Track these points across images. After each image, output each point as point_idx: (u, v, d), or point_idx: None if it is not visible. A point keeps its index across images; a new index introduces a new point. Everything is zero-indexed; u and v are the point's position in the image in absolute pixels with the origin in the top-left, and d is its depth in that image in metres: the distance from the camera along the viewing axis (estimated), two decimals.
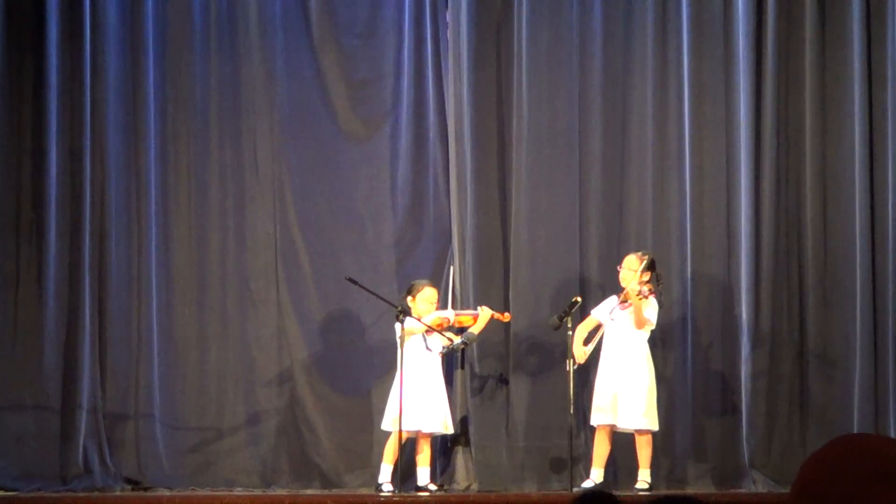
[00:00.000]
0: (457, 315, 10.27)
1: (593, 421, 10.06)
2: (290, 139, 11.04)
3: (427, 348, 10.09)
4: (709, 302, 10.70)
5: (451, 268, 10.53)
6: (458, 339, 10.26)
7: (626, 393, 9.93)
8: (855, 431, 10.11)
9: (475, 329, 10.24)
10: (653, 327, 10.06)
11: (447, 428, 10.24)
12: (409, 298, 10.20)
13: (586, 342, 10.05)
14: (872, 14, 10.62)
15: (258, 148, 11.02)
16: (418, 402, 9.95)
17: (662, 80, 10.83)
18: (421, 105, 10.94)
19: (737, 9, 10.72)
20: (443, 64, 10.86)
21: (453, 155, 10.79)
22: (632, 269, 10.01)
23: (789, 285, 10.70)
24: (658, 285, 10.08)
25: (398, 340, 10.02)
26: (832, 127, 10.72)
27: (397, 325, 10.08)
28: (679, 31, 10.81)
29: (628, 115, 10.89)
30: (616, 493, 9.91)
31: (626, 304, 10.00)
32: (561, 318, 9.94)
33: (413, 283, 10.31)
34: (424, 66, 10.92)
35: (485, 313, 10.26)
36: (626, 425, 10.00)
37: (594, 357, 10.10)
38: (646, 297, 9.89)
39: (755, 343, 10.54)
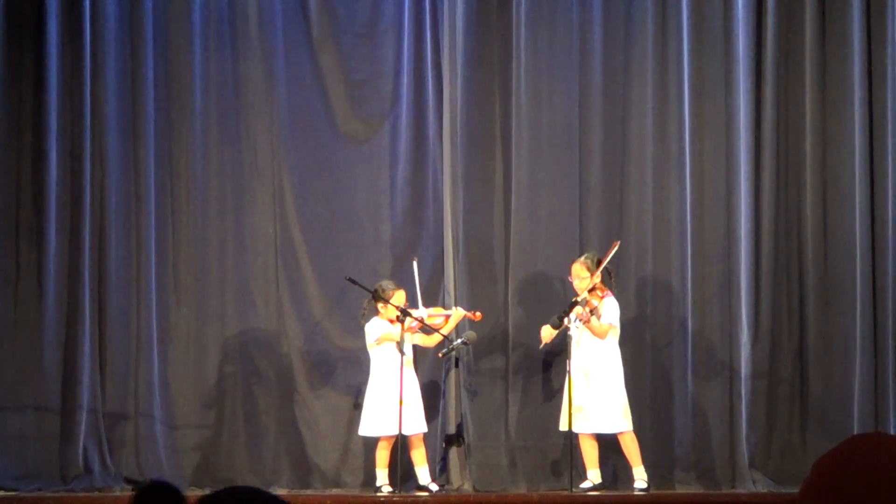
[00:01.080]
0: (430, 316, 10.24)
1: (574, 427, 9.96)
2: (290, 139, 11.03)
3: (401, 352, 10.06)
4: (709, 302, 10.70)
5: (415, 264, 10.43)
6: (458, 340, 10.26)
7: (601, 398, 9.90)
8: (855, 431, 10.12)
9: (445, 329, 10.23)
10: (617, 329, 10.01)
11: (424, 427, 10.23)
12: (380, 304, 10.13)
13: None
14: (872, 14, 10.62)
15: (258, 148, 11.02)
16: (403, 404, 9.92)
17: (662, 79, 10.83)
18: (420, 105, 10.93)
19: (737, 9, 10.71)
20: (442, 64, 10.86)
21: (448, 155, 10.78)
22: (581, 277, 9.95)
23: (789, 285, 10.70)
24: (611, 280, 10.07)
25: (371, 342, 10.10)
26: (832, 127, 10.72)
27: (368, 327, 10.09)
28: (679, 31, 10.81)
29: (628, 114, 10.89)
30: (616, 493, 10.05)
31: (590, 318, 9.94)
32: (561, 318, 9.93)
33: (380, 286, 10.22)
34: (424, 65, 10.91)
35: (457, 313, 10.25)
36: (606, 430, 9.98)
37: (564, 359, 10.06)
38: (587, 322, 9.83)
39: (755, 343, 10.54)
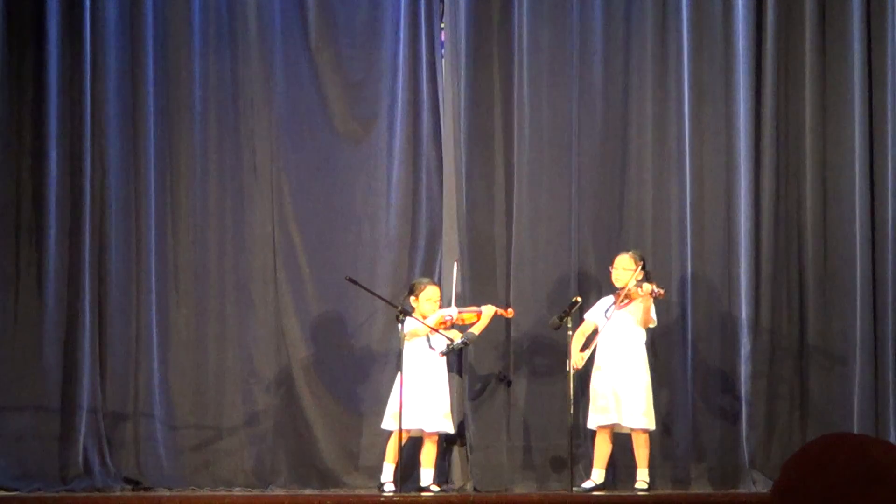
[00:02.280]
0: (460, 312, 10.25)
1: (592, 423, 10.05)
2: (288, 139, 11.04)
3: (430, 347, 10.08)
4: (709, 302, 10.69)
5: (455, 265, 10.50)
6: (458, 339, 10.25)
7: (625, 393, 9.94)
8: (855, 431, 10.11)
9: (478, 326, 10.23)
10: (655, 325, 10.07)
11: (449, 427, 10.23)
12: (412, 298, 10.19)
13: (583, 348, 10.05)
14: (872, 14, 10.62)
15: (256, 148, 11.03)
16: (421, 401, 9.94)
17: (662, 80, 10.83)
18: (417, 105, 10.93)
19: (737, 9, 10.71)
20: (437, 64, 10.87)
21: (447, 155, 10.79)
22: (628, 269, 10.00)
23: (789, 285, 10.69)
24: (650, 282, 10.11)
25: (402, 339, 10.06)
26: (832, 127, 10.71)
27: (400, 325, 10.09)
28: (679, 32, 10.81)
29: (628, 115, 10.89)
30: (616, 493, 10.05)
31: (623, 304, 10.00)
32: (561, 319, 9.93)
33: (415, 282, 10.32)
34: (420, 66, 10.92)
35: (488, 310, 10.26)
36: (626, 424, 10.01)
37: (590, 357, 10.09)
38: (661, 295, 9.89)
39: (755, 343, 10.53)
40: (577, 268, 10.71)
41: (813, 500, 2.07)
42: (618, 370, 9.97)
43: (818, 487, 2.09)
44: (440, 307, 10.22)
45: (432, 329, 10.07)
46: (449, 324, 10.17)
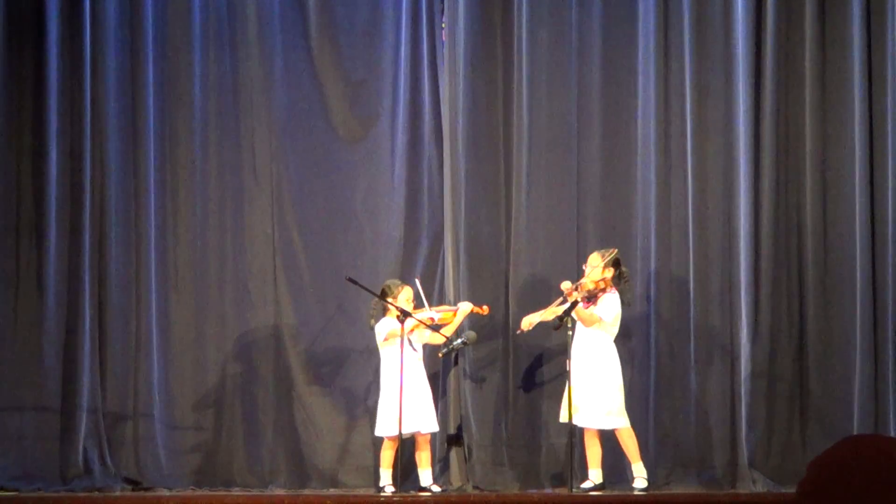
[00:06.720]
0: (437, 312, 10.24)
1: (575, 421, 9.96)
2: (288, 139, 11.05)
3: (412, 349, 10.06)
4: (709, 302, 10.69)
5: (417, 282, 10.45)
6: (458, 340, 10.25)
7: (598, 394, 9.88)
8: (855, 432, 10.12)
9: (453, 324, 10.21)
10: (610, 324, 9.98)
11: (436, 425, 10.23)
12: (389, 300, 10.12)
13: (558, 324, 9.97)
14: (872, 14, 10.61)
15: (256, 148, 11.03)
16: (412, 403, 9.92)
17: (662, 80, 10.82)
18: (417, 105, 10.94)
19: (737, 9, 10.71)
20: (438, 64, 10.87)
21: (448, 155, 10.80)
22: (593, 266, 9.96)
23: (789, 285, 10.69)
24: (622, 282, 10.04)
25: (381, 342, 10.07)
26: (832, 127, 10.71)
27: (378, 327, 10.07)
28: (679, 32, 10.81)
29: (628, 115, 10.88)
30: (616, 493, 10.03)
31: (587, 304, 9.95)
32: (561, 319, 9.92)
33: (387, 284, 10.21)
34: (420, 65, 10.92)
35: (464, 308, 10.25)
36: (602, 426, 9.97)
37: (564, 359, 10.05)
38: (572, 300, 9.79)
39: (755, 343, 10.53)
40: (577, 268, 10.70)
41: (839, 500, 2.07)
42: (589, 373, 9.90)
43: (844, 489, 2.09)
44: (414, 307, 10.18)
45: (430, 326, 10.06)
46: (428, 325, 10.14)
